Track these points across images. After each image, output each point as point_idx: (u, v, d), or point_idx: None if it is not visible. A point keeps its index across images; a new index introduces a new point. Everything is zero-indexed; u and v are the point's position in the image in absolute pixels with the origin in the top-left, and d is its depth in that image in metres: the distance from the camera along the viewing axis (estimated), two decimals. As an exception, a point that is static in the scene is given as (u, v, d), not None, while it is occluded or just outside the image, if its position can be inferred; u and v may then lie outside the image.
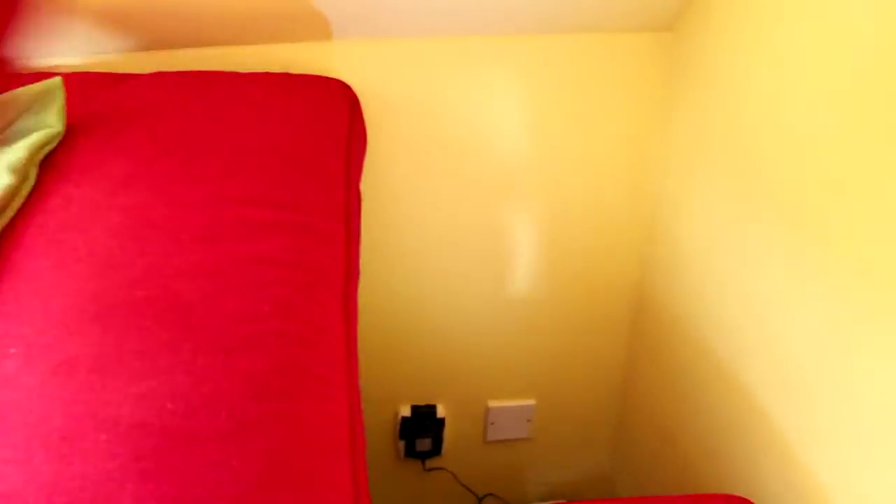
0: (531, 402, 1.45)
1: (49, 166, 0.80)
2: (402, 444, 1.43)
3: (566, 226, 1.28)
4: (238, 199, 0.78)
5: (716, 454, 1.12)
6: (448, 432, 1.45)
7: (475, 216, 1.25)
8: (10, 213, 0.73)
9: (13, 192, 0.74)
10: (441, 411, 1.41)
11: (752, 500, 0.86)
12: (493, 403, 1.44)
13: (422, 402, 1.41)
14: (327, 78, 1.04)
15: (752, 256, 0.98)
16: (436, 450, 1.44)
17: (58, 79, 0.84)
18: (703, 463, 1.16)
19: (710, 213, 1.09)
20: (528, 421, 1.47)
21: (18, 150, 0.77)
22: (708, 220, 1.10)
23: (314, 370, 0.67)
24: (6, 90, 0.84)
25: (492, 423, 1.45)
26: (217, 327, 0.65)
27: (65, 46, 1.02)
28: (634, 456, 1.48)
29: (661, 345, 1.29)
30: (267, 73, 1.00)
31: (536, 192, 1.24)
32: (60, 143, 0.82)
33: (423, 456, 1.45)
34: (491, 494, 1.58)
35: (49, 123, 0.82)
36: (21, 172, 0.75)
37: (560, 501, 1.60)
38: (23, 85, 0.83)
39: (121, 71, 0.98)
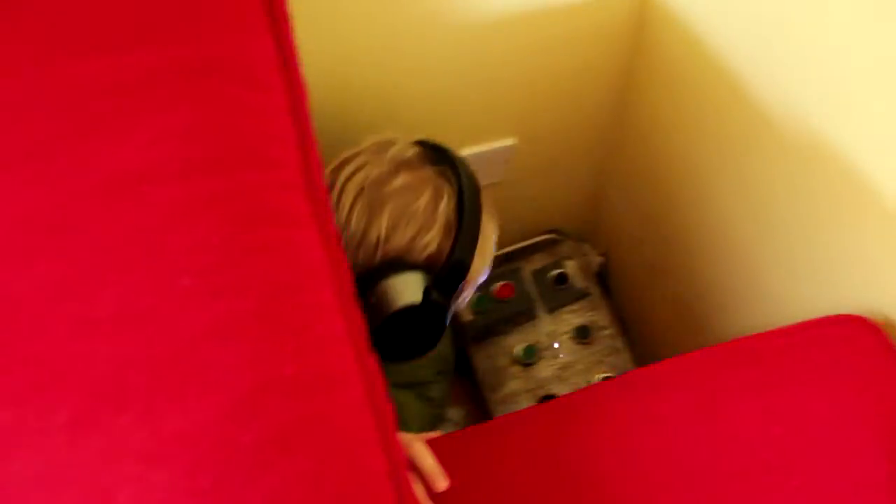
0: (510, 141, 1.19)
1: None
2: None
3: None
4: None
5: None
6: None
7: None
8: None
9: None
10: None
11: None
12: (465, 151, 1.17)
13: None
14: None
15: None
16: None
17: None
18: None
19: None
20: (505, 162, 1.23)
21: None
22: None
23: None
24: None
25: (465, 173, 1.20)
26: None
27: None
28: (625, 166, 1.29)
29: (667, 63, 1.02)
30: None
31: None
32: None
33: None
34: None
35: None
36: None
37: (546, 236, 1.43)
38: None
39: None
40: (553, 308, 1.36)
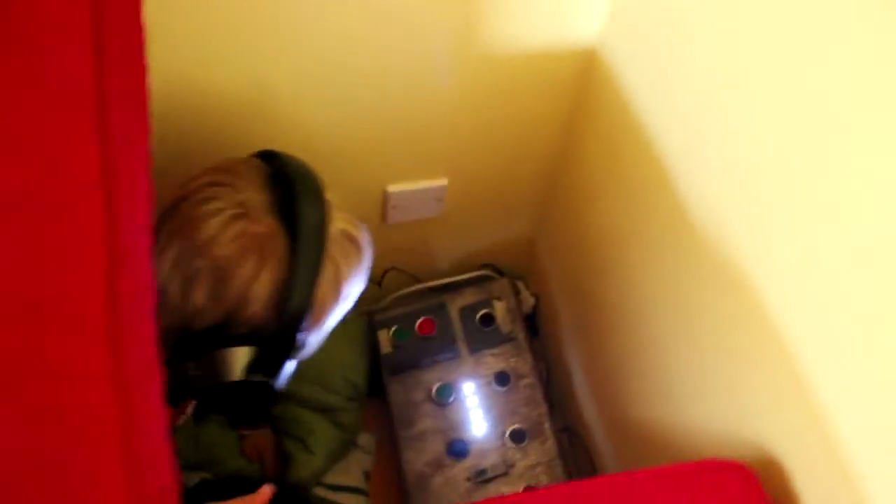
0: (443, 181, 1.13)
1: None
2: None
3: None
4: None
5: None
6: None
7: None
8: None
9: None
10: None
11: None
12: (392, 188, 1.11)
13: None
14: None
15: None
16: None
17: None
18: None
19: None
20: (437, 200, 1.17)
21: None
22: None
23: None
24: None
25: (393, 207, 1.14)
26: None
27: None
28: (559, 219, 1.23)
29: (605, 129, 0.96)
30: None
31: None
32: None
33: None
34: (393, 268, 1.33)
35: None
36: None
37: (479, 272, 1.38)
38: None
39: None
40: (476, 349, 1.32)
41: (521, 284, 1.41)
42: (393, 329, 1.30)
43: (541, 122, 1.07)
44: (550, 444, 1.26)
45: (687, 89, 0.77)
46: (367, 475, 1.33)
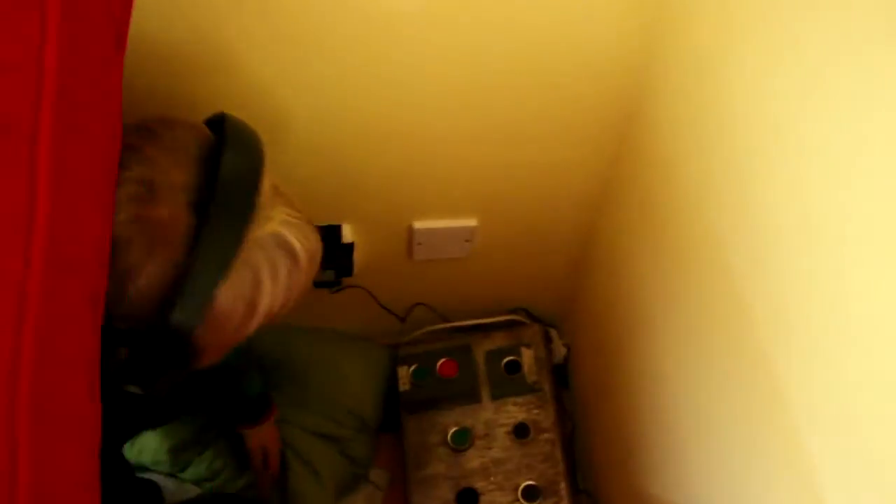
0: (472, 222, 1.09)
1: None
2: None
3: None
4: None
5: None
6: (361, 257, 1.11)
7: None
8: None
9: None
10: (348, 234, 1.06)
11: None
12: (418, 224, 1.08)
13: (322, 223, 1.04)
14: None
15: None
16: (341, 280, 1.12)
17: None
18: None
19: None
20: (466, 241, 1.13)
21: None
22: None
23: None
24: None
25: (419, 244, 1.11)
26: None
27: None
28: (595, 269, 1.17)
29: (643, 185, 0.89)
30: None
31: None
32: None
33: (328, 285, 1.13)
34: (420, 304, 1.30)
35: None
36: None
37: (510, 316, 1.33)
38: None
39: None
40: (498, 395, 1.26)
41: (554, 333, 1.35)
42: (413, 367, 1.26)
43: (579, 170, 1.02)
44: (565, 505, 1.19)
45: (732, 150, 0.70)
46: (377, 512, 1.29)
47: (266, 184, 0.61)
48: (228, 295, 0.59)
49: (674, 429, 0.90)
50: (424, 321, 1.31)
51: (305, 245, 0.63)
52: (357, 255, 1.10)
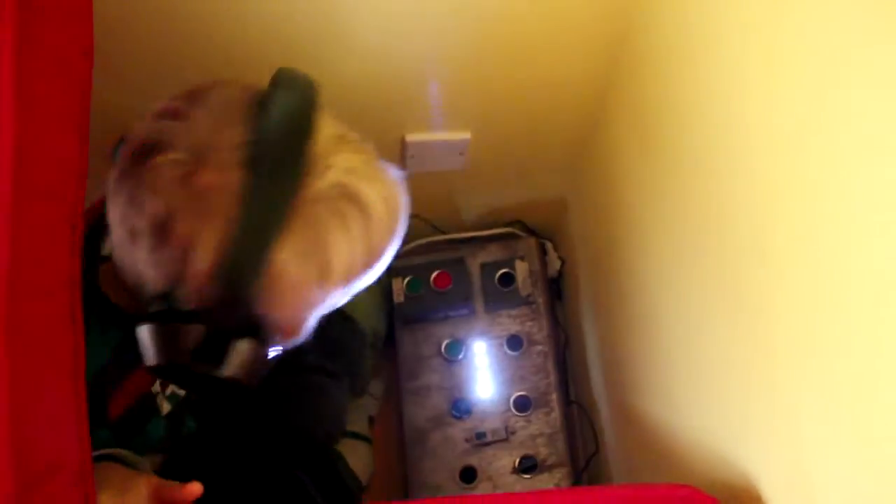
0: (465, 135, 1.07)
1: None
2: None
3: None
4: None
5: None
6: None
7: None
8: None
9: None
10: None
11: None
12: (411, 137, 1.05)
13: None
14: None
15: None
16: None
17: None
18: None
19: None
20: (460, 154, 1.11)
21: None
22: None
23: None
24: None
25: (411, 157, 1.09)
26: None
27: None
28: (589, 183, 1.15)
29: (638, 101, 0.86)
30: None
31: None
32: None
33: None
34: (415, 216, 1.28)
35: None
36: None
37: (506, 229, 1.32)
38: None
39: None
40: (492, 308, 1.27)
41: (549, 245, 1.35)
42: (408, 279, 1.26)
43: (572, 82, 0.98)
44: (555, 415, 1.22)
45: (722, 67, 0.67)
46: (371, 420, 1.32)
47: (326, 130, 0.56)
48: (290, 255, 0.54)
49: (661, 343, 0.91)
50: (419, 234, 1.30)
51: (381, 193, 0.57)
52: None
